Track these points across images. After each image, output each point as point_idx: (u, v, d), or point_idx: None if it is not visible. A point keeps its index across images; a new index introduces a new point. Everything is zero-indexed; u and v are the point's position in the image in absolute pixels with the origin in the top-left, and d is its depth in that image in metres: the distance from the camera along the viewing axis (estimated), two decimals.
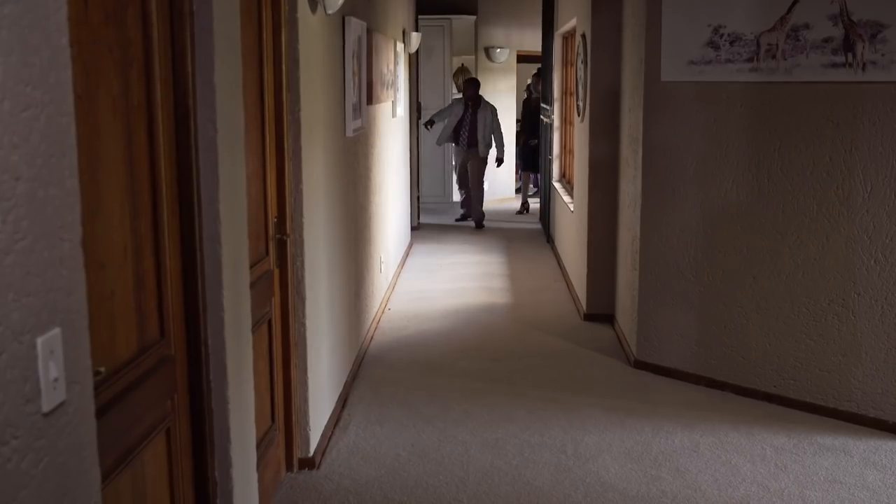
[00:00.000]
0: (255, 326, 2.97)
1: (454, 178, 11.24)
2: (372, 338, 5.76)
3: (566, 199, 7.69)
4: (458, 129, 10.00)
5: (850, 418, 4.32)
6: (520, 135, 12.06)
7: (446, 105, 10.67)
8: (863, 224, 4.19)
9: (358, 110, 5.00)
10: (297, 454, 3.75)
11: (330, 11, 4.05)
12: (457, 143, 10.16)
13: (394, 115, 7.19)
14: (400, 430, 4.26)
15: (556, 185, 8.62)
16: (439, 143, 10.26)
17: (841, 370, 4.35)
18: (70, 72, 1.41)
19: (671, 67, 4.77)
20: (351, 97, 4.73)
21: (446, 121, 10.08)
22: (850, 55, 4.16)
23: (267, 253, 3.34)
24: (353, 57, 4.75)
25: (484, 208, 10.42)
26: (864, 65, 4.12)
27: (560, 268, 7.93)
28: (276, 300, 3.49)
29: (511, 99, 12.40)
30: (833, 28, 4.21)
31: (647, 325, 5.09)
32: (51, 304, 1.35)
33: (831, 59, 4.23)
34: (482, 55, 12.16)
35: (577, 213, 6.73)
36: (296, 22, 3.50)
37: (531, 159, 11.12)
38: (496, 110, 10.25)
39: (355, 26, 4.78)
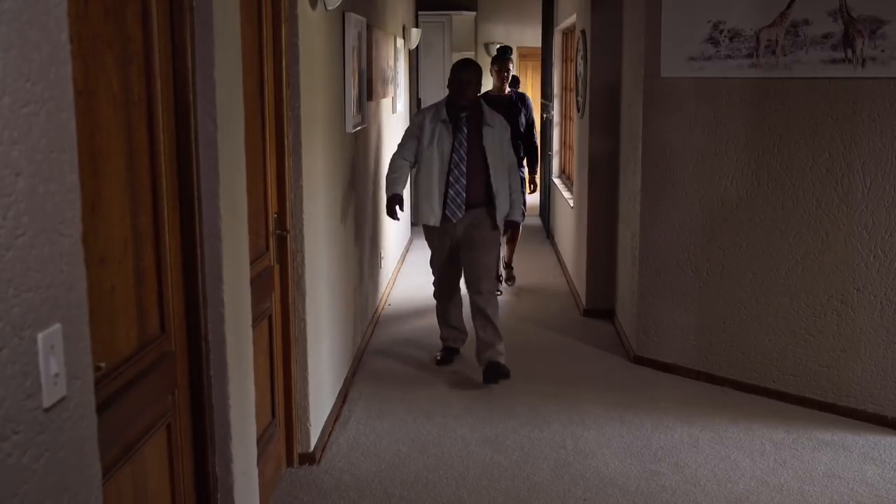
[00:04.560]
0: (256, 322, 2.97)
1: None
2: (372, 333, 5.77)
3: (566, 194, 7.69)
4: (449, 176, 4.79)
5: (849, 413, 4.33)
6: None
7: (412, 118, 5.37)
8: (862, 220, 4.19)
9: (358, 106, 5.00)
10: (298, 449, 3.75)
11: (330, 7, 4.05)
12: (446, 209, 4.85)
13: (394, 110, 7.20)
14: (400, 425, 4.27)
15: (556, 180, 8.62)
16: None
17: (840, 366, 4.35)
18: (70, 67, 1.41)
19: (671, 63, 4.76)
20: (351, 93, 4.73)
21: (417, 161, 4.92)
22: (849, 51, 4.16)
23: (267, 249, 3.34)
24: (353, 53, 4.75)
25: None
26: (863, 61, 4.12)
27: (560, 263, 7.92)
28: (277, 296, 3.49)
29: None
30: (833, 24, 4.20)
31: (647, 321, 5.09)
32: (51, 300, 1.35)
33: (831, 54, 4.23)
34: (482, 51, 12.15)
35: (577, 209, 6.73)
36: (296, 18, 3.50)
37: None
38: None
39: (355, 22, 4.78)
